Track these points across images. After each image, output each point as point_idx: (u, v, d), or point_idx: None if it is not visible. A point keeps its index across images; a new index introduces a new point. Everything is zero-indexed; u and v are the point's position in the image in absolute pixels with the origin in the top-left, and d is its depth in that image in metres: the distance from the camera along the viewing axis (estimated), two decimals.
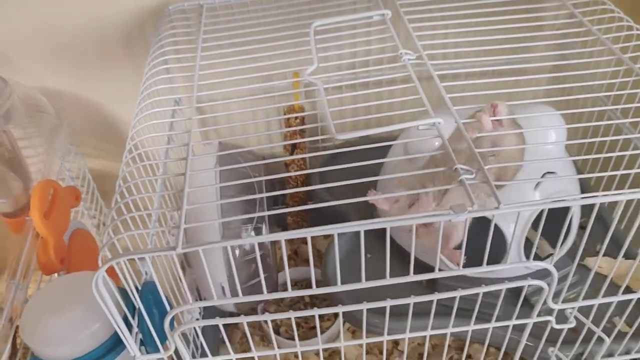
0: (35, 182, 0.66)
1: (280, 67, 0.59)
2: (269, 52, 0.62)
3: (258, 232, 0.59)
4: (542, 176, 0.58)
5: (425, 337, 0.52)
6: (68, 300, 0.49)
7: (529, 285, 0.45)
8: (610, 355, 0.58)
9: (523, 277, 0.60)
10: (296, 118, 0.80)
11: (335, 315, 0.75)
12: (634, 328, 0.55)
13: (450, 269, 0.44)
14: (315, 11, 0.73)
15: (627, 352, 0.59)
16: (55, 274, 0.61)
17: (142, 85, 0.59)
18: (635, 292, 0.52)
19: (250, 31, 0.66)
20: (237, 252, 0.61)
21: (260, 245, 0.62)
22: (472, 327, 0.50)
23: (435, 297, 0.46)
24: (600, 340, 0.55)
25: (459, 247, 0.56)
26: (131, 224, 0.45)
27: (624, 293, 0.50)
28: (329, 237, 0.83)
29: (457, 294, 0.45)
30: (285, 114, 0.81)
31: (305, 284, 0.81)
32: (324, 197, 0.75)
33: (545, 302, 0.47)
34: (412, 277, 0.43)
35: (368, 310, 0.45)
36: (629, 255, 0.54)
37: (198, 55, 0.61)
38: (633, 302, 0.52)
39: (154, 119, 0.56)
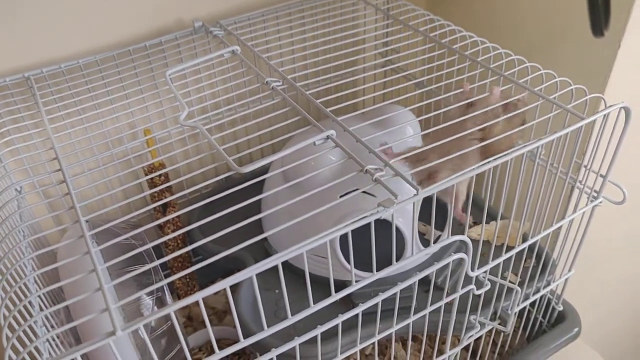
0: None
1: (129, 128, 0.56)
2: (117, 113, 0.61)
3: (160, 302, 0.54)
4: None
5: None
6: None
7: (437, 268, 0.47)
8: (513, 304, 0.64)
9: (428, 265, 0.62)
10: (160, 176, 0.76)
11: None
12: (519, 276, 0.64)
13: (364, 277, 0.44)
14: (155, 62, 0.71)
15: (526, 298, 0.65)
16: None
17: None
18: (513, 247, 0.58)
19: (93, 94, 0.64)
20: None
21: (167, 316, 0.57)
22: (411, 318, 0.52)
23: (360, 309, 0.46)
24: (507, 293, 0.61)
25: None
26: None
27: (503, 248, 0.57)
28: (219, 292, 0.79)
29: (379, 298, 0.47)
30: (146, 175, 0.76)
31: (227, 343, 0.76)
32: (211, 249, 0.72)
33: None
34: (335, 297, 0.43)
35: (300, 343, 0.44)
36: (496, 218, 0.59)
37: (48, 129, 0.56)
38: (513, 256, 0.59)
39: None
